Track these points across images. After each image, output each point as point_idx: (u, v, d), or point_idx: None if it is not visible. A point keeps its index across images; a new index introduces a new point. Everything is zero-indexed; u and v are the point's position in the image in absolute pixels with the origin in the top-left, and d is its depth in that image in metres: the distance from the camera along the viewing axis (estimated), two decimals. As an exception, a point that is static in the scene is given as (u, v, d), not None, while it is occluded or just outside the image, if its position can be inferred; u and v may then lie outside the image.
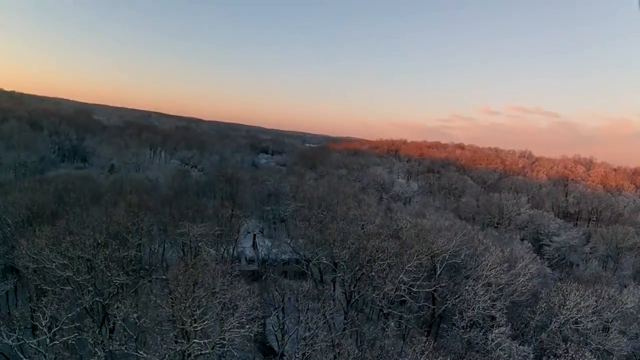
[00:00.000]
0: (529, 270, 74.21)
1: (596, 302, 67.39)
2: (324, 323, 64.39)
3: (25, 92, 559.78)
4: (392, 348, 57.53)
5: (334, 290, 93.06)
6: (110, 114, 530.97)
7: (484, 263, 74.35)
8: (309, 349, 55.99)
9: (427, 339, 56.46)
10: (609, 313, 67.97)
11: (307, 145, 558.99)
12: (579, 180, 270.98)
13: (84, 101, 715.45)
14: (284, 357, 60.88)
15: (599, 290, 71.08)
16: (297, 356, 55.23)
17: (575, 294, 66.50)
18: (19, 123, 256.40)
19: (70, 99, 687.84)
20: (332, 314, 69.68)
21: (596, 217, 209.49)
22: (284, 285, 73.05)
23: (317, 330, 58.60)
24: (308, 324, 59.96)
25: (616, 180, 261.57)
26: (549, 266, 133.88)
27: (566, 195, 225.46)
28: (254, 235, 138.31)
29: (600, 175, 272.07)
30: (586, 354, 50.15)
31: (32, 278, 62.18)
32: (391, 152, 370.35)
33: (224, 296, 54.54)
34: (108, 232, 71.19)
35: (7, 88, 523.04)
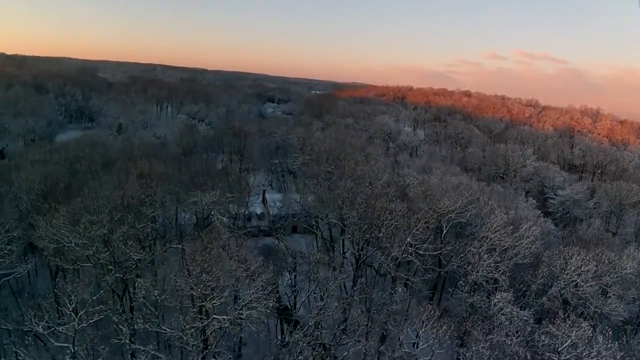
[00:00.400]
0: (532, 232, 75.78)
1: (596, 266, 69.14)
2: (335, 288, 67.34)
3: (28, 54, 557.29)
4: (399, 316, 60.35)
5: (343, 251, 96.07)
6: (114, 70, 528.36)
7: (488, 224, 76.04)
8: (320, 317, 59.05)
9: (431, 306, 59.23)
10: (608, 278, 69.80)
11: (314, 92, 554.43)
12: (585, 132, 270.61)
13: (88, 58, 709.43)
14: (298, 324, 63.84)
15: (600, 255, 72.74)
16: (310, 324, 58.16)
17: (576, 257, 68.27)
18: (24, 88, 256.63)
19: (74, 57, 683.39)
20: (343, 279, 72.27)
21: (601, 171, 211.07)
22: (295, 253, 74.87)
23: (328, 300, 61.42)
24: (320, 292, 62.66)
25: (622, 133, 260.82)
26: (552, 220, 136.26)
27: (572, 148, 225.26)
28: (264, 191, 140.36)
29: (607, 128, 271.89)
30: (582, 325, 52.09)
31: (53, 259, 64.71)
32: (397, 99, 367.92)
33: (239, 270, 57.04)
34: (123, 206, 73.26)
35: (10, 52, 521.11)
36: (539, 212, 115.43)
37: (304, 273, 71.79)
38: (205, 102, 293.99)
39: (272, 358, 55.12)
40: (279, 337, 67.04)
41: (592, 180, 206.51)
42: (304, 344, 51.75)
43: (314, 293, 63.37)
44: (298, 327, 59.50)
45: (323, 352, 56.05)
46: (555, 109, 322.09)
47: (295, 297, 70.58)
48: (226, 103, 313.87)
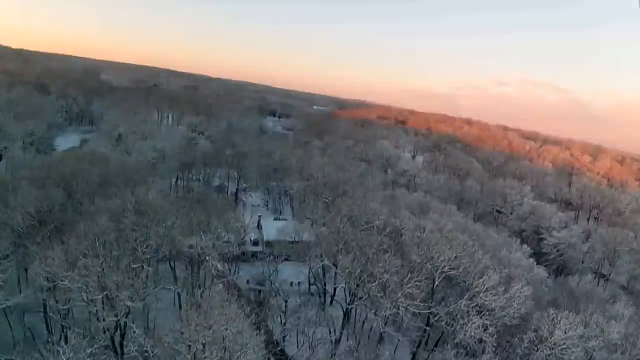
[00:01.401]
0: (523, 293, 76.24)
1: (584, 330, 69.82)
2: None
3: (33, 49, 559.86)
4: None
5: (333, 291, 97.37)
6: (118, 73, 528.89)
7: (480, 283, 76.51)
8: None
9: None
10: (594, 342, 70.31)
11: (316, 107, 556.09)
12: (584, 170, 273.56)
13: (93, 57, 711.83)
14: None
15: (589, 318, 73.48)
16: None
17: (564, 321, 68.89)
18: (26, 88, 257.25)
19: (79, 55, 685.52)
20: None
21: (597, 212, 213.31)
22: (287, 313, 75.99)
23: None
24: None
25: (621, 174, 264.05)
26: (545, 262, 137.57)
27: (570, 186, 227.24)
28: (259, 216, 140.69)
29: (606, 167, 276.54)
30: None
31: (46, 294, 64.90)
32: (399, 122, 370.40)
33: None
34: (119, 246, 73.07)
35: (16, 46, 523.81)
36: (532, 260, 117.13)
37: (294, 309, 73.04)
38: (206, 114, 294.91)
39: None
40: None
41: (588, 220, 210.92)
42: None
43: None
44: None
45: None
46: (555, 143, 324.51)
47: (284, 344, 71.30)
48: (227, 116, 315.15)
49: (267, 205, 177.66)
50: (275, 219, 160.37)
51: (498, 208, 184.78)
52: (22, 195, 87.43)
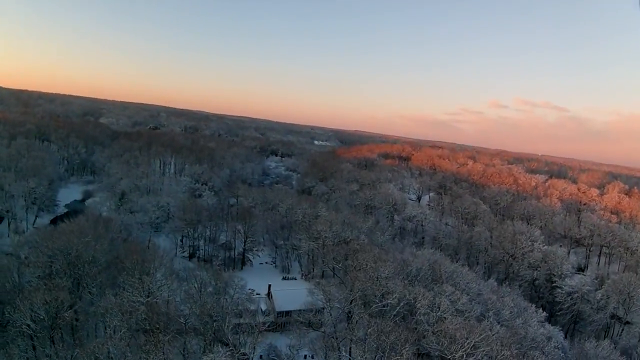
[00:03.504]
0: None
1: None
2: None
3: (34, 89, 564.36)
4: None
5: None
6: (118, 114, 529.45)
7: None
8: None
9: None
10: None
11: (317, 142, 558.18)
12: (593, 205, 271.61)
13: (93, 96, 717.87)
14: None
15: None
16: None
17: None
18: (27, 140, 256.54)
19: (79, 94, 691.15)
20: None
21: (608, 251, 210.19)
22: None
23: None
24: None
25: (630, 207, 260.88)
26: (559, 314, 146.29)
27: (579, 226, 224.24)
28: (269, 285, 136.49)
29: (614, 202, 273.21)
30: None
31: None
32: (402, 159, 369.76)
33: None
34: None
35: (17, 86, 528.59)
36: (548, 326, 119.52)
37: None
38: (208, 162, 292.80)
39: None
40: None
41: (598, 259, 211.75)
42: None
43: None
44: None
45: None
46: (558, 169, 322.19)
47: None
48: (229, 162, 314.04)
49: (275, 263, 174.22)
50: (284, 278, 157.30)
51: (509, 255, 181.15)
52: (30, 294, 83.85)
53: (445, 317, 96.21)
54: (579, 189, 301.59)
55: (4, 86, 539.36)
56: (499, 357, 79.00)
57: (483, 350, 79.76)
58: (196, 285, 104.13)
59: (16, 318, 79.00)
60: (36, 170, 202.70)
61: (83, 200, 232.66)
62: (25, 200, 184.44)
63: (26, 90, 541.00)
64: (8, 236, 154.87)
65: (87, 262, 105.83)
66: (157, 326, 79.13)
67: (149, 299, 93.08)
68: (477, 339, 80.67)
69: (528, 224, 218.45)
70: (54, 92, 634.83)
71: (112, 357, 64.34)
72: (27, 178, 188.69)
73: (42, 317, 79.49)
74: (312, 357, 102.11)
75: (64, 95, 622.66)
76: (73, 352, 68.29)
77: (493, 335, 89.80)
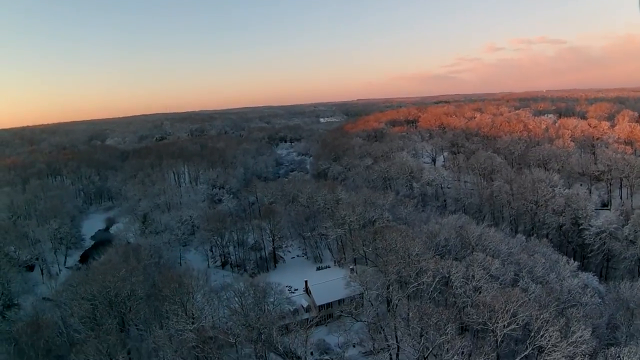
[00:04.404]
0: (584, 337, 74.89)
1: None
2: None
3: (36, 124, 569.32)
4: None
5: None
6: (123, 131, 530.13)
7: (543, 340, 74.98)
8: None
9: None
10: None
11: (323, 120, 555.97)
12: (606, 138, 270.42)
13: (95, 118, 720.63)
14: None
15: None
16: None
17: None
18: (41, 181, 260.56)
19: (81, 119, 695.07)
20: None
21: (629, 184, 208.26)
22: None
23: None
24: None
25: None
26: (590, 255, 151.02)
27: (595, 163, 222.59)
28: (306, 281, 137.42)
29: (627, 131, 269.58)
30: None
31: None
32: (410, 123, 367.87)
33: None
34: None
35: (19, 124, 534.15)
36: (581, 272, 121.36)
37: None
38: (221, 164, 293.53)
39: None
40: None
41: (620, 190, 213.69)
42: None
43: None
44: None
45: None
46: (569, 121, 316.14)
47: None
48: (242, 160, 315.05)
49: (306, 255, 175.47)
50: (318, 268, 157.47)
51: (532, 204, 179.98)
52: (82, 347, 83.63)
53: (481, 287, 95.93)
54: (589, 124, 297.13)
55: (5, 127, 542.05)
56: (539, 321, 79.33)
57: (522, 318, 79.75)
58: (237, 299, 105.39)
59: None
60: (56, 210, 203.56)
61: (107, 228, 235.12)
62: (52, 243, 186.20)
63: (28, 127, 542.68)
64: (43, 283, 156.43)
65: (127, 298, 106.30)
66: (210, 354, 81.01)
67: (194, 325, 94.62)
68: (515, 307, 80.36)
69: (545, 169, 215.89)
70: (56, 122, 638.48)
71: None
72: (49, 220, 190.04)
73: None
74: (360, 344, 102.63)
75: (66, 123, 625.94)
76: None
77: (530, 297, 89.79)
